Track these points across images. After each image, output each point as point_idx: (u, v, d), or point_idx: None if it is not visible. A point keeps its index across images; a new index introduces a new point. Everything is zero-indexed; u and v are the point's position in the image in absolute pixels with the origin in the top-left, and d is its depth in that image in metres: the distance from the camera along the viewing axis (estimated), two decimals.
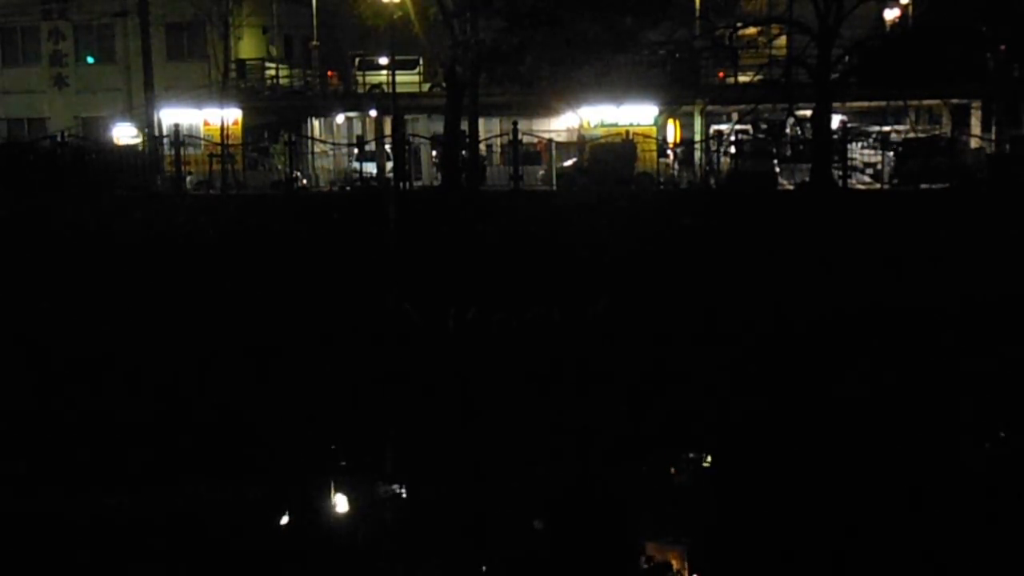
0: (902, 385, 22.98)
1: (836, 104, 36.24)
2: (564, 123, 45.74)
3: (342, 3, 44.40)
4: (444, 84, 38.36)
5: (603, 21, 34.26)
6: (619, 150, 36.87)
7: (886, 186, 35.37)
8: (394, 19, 36.98)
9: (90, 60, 47.72)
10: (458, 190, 35.14)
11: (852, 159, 37.59)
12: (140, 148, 40.71)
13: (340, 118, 49.18)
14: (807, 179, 34.50)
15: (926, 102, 44.95)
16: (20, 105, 47.29)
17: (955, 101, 43.64)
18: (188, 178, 37.95)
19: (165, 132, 39.32)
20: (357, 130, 49.10)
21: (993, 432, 21.27)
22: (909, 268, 27.50)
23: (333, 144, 45.38)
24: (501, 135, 41.79)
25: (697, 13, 41.21)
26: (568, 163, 39.95)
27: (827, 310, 26.68)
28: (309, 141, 43.28)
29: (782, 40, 39.60)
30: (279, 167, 40.39)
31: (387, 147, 40.06)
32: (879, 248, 28.15)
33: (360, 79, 46.85)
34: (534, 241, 28.76)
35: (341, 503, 18.68)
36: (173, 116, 40.21)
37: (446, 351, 25.82)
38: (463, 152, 37.11)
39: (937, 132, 42.64)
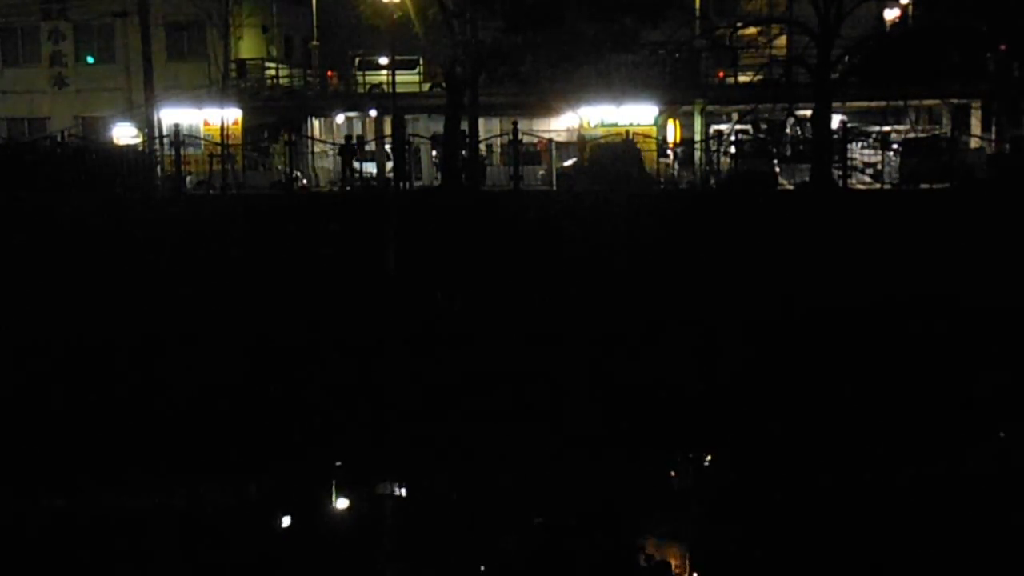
0: (899, 383, 22.98)
1: (836, 104, 36.23)
2: (564, 123, 45.72)
3: (342, 3, 44.38)
4: (444, 84, 38.35)
5: (603, 21, 34.26)
6: (619, 150, 36.85)
7: (887, 186, 35.36)
8: (394, 19, 36.97)
9: (90, 60, 47.69)
10: (458, 190, 35.12)
11: (852, 159, 37.59)
12: (140, 148, 40.70)
13: (340, 118, 49.17)
14: (807, 179, 34.50)
15: (926, 102, 44.96)
16: (20, 105, 47.24)
17: (955, 101, 43.65)
18: (188, 178, 37.96)
19: (165, 132, 39.31)
20: (357, 130, 49.08)
21: (993, 433, 21.26)
22: (909, 268, 27.50)
23: (333, 144, 45.37)
24: (501, 135, 41.79)
25: (697, 13, 41.24)
26: (568, 163, 39.94)
27: (826, 308, 26.68)
28: (309, 141, 43.28)
29: (782, 40, 39.63)
30: (279, 167, 40.39)
31: (387, 147, 40.07)
32: (879, 247, 28.15)
33: (360, 79, 46.83)
34: (533, 241, 28.76)
35: (341, 503, 18.67)
36: (173, 116, 40.20)
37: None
38: (463, 152, 37.10)
39: (937, 132, 42.65)
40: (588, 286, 27.54)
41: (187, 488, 18.41)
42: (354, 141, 41.77)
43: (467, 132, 37.43)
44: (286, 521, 17.49)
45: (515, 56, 35.02)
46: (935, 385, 22.79)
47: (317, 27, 49.21)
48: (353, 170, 39.11)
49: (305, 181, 40.42)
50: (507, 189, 34.47)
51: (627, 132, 37.91)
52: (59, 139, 38.40)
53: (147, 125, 40.62)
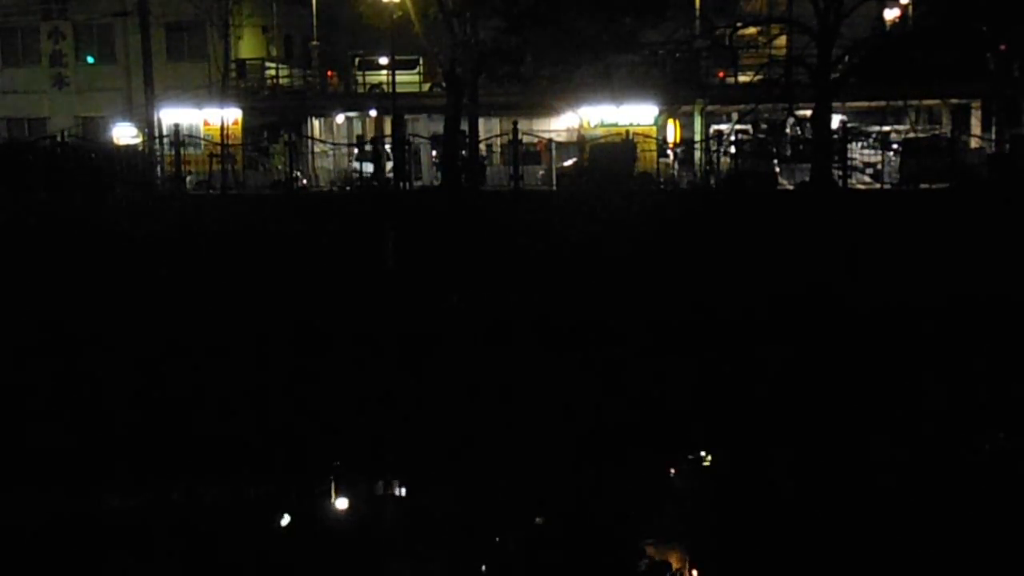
0: (898, 382, 22.99)
1: (836, 104, 36.22)
2: (564, 123, 45.72)
3: (342, 3, 44.40)
4: (444, 84, 38.36)
5: (603, 21, 34.27)
6: (619, 150, 36.84)
7: (887, 186, 35.37)
8: (394, 19, 36.98)
9: (90, 60, 47.71)
10: (458, 190, 35.12)
11: (852, 159, 37.58)
12: (140, 148, 40.70)
13: (340, 118, 49.17)
14: (807, 179, 34.50)
15: (926, 102, 44.94)
16: (20, 105, 47.26)
17: (955, 101, 43.66)
18: (188, 178, 37.95)
19: (165, 132, 39.32)
20: (357, 130, 49.09)
21: (988, 431, 21.27)
22: (908, 268, 27.51)
23: (333, 144, 45.37)
24: (501, 135, 41.79)
25: (697, 13, 41.23)
26: (568, 163, 39.94)
27: (825, 308, 26.70)
28: (309, 141, 43.28)
29: (782, 40, 39.59)
30: (279, 167, 40.38)
31: (387, 147, 40.06)
32: (879, 248, 28.16)
33: (360, 79, 46.83)
34: (533, 240, 28.78)
35: (341, 503, 18.67)
36: (173, 116, 40.20)
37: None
38: (463, 152, 37.10)
39: (937, 132, 42.64)
40: (588, 285, 27.55)
41: (187, 488, 18.40)
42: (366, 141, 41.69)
43: (467, 132, 37.42)
44: (285, 521, 17.49)
45: (515, 56, 35.05)
46: (931, 385, 22.80)
47: (317, 27, 49.19)
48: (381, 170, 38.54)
49: (305, 181, 40.42)
50: (507, 189, 34.46)
51: (627, 132, 37.91)
52: (59, 139, 38.39)
53: (147, 125, 40.62)
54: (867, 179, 37.98)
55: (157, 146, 39.60)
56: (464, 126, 37.32)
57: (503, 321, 26.61)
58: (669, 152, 40.55)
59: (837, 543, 15.60)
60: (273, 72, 46.90)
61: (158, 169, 38.95)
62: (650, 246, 28.35)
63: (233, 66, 43.61)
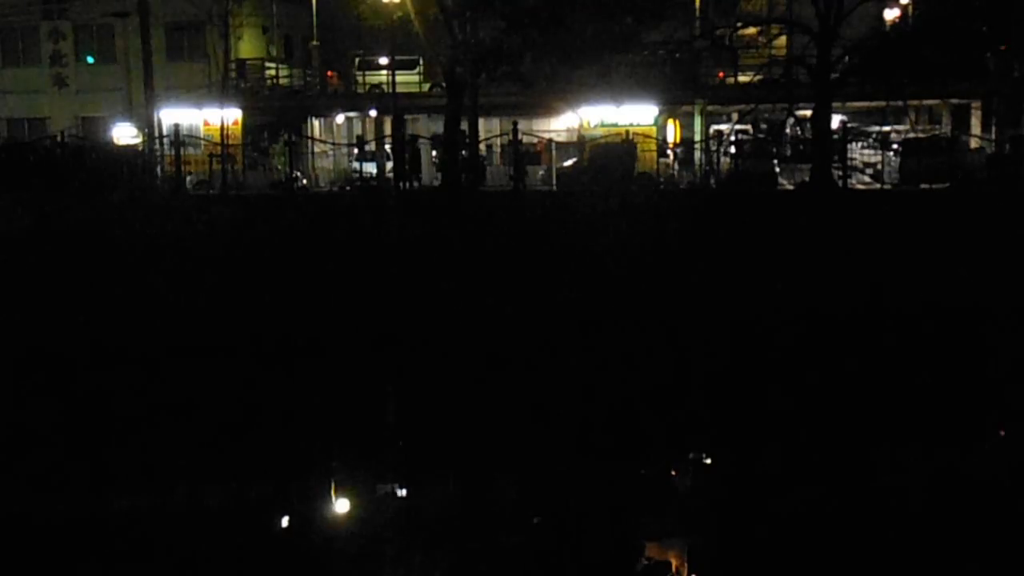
0: (896, 383, 22.99)
1: (836, 104, 36.23)
2: (564, 123, 45.74)
3: (342, 3, 44.41)
4: (444, 84, 38.36)
5: (603, 21, 34.26)
6: (619, 150, 36.86)
7: (887, 186, 35.38)
8: (394, 19, 36.99)
9: (90, 60, 47.75)
10: (458, 190, 35.13)
11: (852, 159, 37.60)
12: (140, 148, 40.72)
13: (340, 118, 49.18)
14: (807, 179, 34.51)
15: (926, 102, 44.95)
16: (20, 105, 47.30)
17: (955, 101, 43.68)
18: (188, 178, 37.96)
19: (165, 132, 39.33)
20: (357, 130, 49.10)
21: (990, 432, 21.28)
22: (908, 268, 27.51)
23: (333, 144, 45.38)
24: (501, 135, 41.81)
25: (697, 13, 41.24)
26: (568, 163, 39.95)
27: (825, 309, 26.70)
28: (309, 141, 43.28)
29: (782, 40, 39.61)
30: (279, 167, 40.39)
31: (387, 147, 40.07)
32: (879, 248, 28.17)
33: (360, 79, 46.85)
34: (533, 240, 28.79)
35: (341, 503, 18.67)
36: (173, 116, 40.21)
37: None
38: (463, 152, 37.10)
39: (937, 132, 42.66)
40: (587, 286, 27.56)
41: (188, 488, 18.42)
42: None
43: (467, 132, 37.43)
44: (284, 521, 17.49)
45: (515, 56, 35.02)
46: (930, 386, 22.80)
47: (317, 27, 49.20)
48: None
49: (305, 181, 40.42)
50: (507, 189, 34.48)
51: (627, 132, 37.92)
52: (59, 139, 38.41)
53: (147, 125, 40.64)
54: (867, 179, 37.99)
55: (157, 146, 39.62)
56: (464, 126, 37.33)
57: (503, 321, 26.62)
58: (669, 152, 40.59)
59: (838, 543, 15.62)
60: (273, 72, 46.93)
61: (158, 169, 38.96)
62: (650, 246, 28.34)
63: (233, 66, 43.62)
